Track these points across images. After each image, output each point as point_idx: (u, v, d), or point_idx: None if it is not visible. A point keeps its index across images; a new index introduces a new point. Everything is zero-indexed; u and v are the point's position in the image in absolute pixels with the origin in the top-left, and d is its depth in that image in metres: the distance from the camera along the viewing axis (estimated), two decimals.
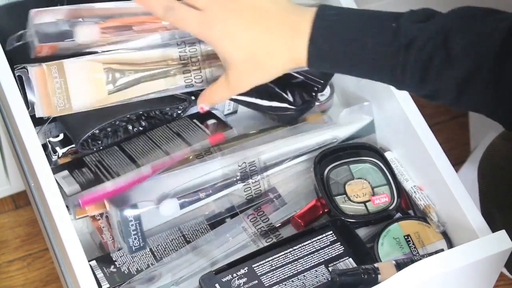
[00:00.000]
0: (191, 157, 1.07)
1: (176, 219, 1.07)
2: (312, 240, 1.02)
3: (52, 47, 1.04)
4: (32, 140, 1.01)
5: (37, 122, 1.05)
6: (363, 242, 1.03)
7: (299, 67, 0.96)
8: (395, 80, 0.92)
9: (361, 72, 0.94)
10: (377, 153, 1.10)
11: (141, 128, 1.09)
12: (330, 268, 1.00)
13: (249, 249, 1.05)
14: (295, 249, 1.01)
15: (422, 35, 0.89)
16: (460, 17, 0.90)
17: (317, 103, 1.15)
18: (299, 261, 1.00)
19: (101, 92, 1.04)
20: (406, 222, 1.05)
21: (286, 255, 1.01)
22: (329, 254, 1.01)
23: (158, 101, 1.07)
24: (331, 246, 1.02)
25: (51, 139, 1.08)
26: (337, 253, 1.01)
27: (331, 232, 1.03)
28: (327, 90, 1.17)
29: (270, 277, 0.98)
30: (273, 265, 0.99)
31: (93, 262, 1.05)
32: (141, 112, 1.07)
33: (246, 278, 0.97)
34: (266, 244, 1.05)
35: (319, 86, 1.12)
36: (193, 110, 1.12)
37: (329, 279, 0.99)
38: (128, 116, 1.07)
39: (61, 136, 1.08)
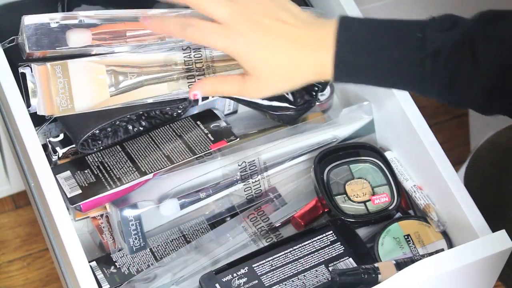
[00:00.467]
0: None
1: (176, 219, 1.07)
2: (312, 240, 1.02)
3: (43, 52, 1.04)
4: (32, 140, 1.01)
5: (37, 122, 1.05)
6: (363, 242, 1.03)
7: (323, 80, 0.95)
8: (422, 90, 0.91)
9: (388, 84, 0.94)
10: (377, 153, 1.10)
11: (141, 128, 1.09)
12: (330, 268, 1.00)
13: (249, 249, 1.05)
14: (295, 249, 1.01)
15: (448, 44, 0.88)
16: (484, 23, 0.89)
17: (317, 103, 1.15)
18: (299, 261, 1.00)
19: (104, 94, 1.04)
20: (406, 222, 1.06)
21: (286, 255, 1.01)
22: (329, 254, 1.01)
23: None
24: (331, 246, 1.02)
25: (51, 139, 1.08)
26: (337, 253, 1.01)
27: (331, 232, 1.03)
28: (327, 90, 1.17)
29: (271, 277, 0.98)
30: (273, 265, 0.99)
31: (93, 263, 1.05)
32: (141, 112, 1.07)
33: (246, 278, 0.97)
34: (266, 243, 1.05)
35: (319, 86, 1.12)
36: (193, 111, 1.12)
37: (329, 279, 0.99)
38: (128, 116, 1.07)
39: (61, 136, 1.08)
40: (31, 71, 1.04)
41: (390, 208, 1.06)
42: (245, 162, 1.07)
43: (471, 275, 0.98)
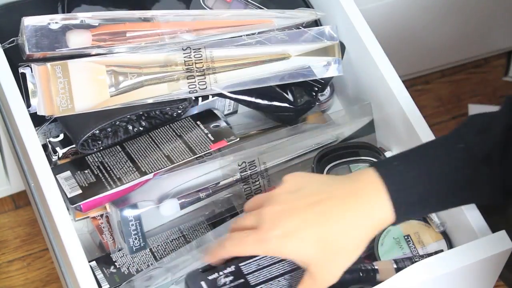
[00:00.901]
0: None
1: (176, 219, 1.07)
2: None
3: (43, 54, 1.04)
4: (32, 140, 1.01)
5: (37, 122, 1.05)
6: None
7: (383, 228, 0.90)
8: (485, 197, 0.90)
9: (454, 203, 0.92)
10: (377, 152, 1.10)
11: (141, 128, 1.09)
12: None
13: None
14: None
15: (492, 144, 0.87)
16: None
17: (317, 103, 1.15)
18: (286, 260, 0.99)
19: (104, 94, 1.04)
20: (406, 222, 1.05)
21: None
22: None
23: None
24: None
25: (51, 139, 1.08)
26: None
27: None
28: (327, 90, 1.17)
29: (257, 276, 0.98)
30: (260, 264, 0.98)
31: (93, 263, 1.05)
32: (141, 112, 1.07)
33: (232, 277, 0.96)
34: None
35: (319, 86, 1.12)
36: (193, 111, 1.12)
37: None
38: (128, 116, 1.07)
39: (61, 136, 1.08)
40: (31, 71, 1.04)
41: None
42: (245, 162, 1.07)
43: (471, 275, 0.98)
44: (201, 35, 1.08)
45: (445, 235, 1.04)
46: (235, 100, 1.11)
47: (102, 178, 1.04)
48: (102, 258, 1.06)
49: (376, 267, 0.98)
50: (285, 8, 1.14)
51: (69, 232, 0.96)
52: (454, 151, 0.88)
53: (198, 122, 1.10)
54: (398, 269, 0.97)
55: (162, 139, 1.08)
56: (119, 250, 1.06)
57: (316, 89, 1.12)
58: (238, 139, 1.08)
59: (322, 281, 0.88)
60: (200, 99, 1.11)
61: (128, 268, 1.05)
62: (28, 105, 1.04)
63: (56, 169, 1.05)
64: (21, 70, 1.04)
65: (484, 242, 0.96)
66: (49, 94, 1.04)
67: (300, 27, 1.11)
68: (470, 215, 0.99)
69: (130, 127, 1.08)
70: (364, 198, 0.87)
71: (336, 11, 1.13)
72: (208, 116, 1.11)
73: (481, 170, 0.88)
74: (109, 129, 1.07)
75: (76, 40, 1.05)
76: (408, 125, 1.05)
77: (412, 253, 1.03)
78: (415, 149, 0.91)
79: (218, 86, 1.07)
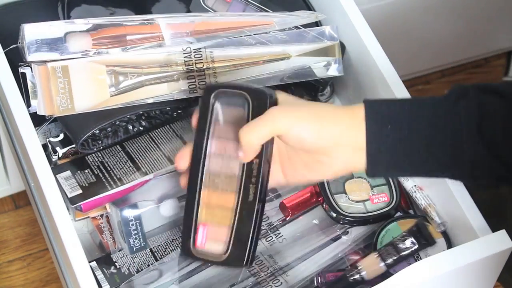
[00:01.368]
0: None
1: (177, 219, 1.07)
2: None
3: (43, 60, 1.04)
4: (32, 140, 1.01)
5: (37, 122, 1.06)
6: None
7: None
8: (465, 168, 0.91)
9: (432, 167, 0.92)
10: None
11: (141, 128, 1.09)
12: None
13: None
14: None
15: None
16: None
17: None
18: None
19: (104, 94, 1.05)
20: (405, 221, 1.05)
21: None
22: None
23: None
24: None
25: (51, 139, 1.08)
26: None
27: None
28: (327, 90, 1.17)
29: None
30: None
31: (93, 263, 1.05)
32: (141, 112, 1.07)
33: None
34: (267, 243, 1.05)
35: (319, 86, 1.12)
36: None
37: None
38: (128, 116, 1.07)
39: (61, 136, 1.08)
40: (31, 71, 1.04)
41: (389, 207, 1.06)
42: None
43: (471, 275, 0.98)
44: (201, 36, 1.08)
45: (445, 234, 1.04)
46: None
47: (103, 178, 1.04)
48: (103, 259, 1.06)
49: (360, 267, 0.99)
50: (285, 7, 1.14)
51: (69, 232, 0.96)
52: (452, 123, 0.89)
53: None
54: (383, 260, 0.99)
55: (162, 139, 1.08)
56: (120, 250, 1.06)
57: (316, 89, 1.12)
58: None
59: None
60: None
61: (128, 269, 1.05)
62: (28, 105, 1.04)
63: (56, 169, 1.05)
64: (21, 70, 1.04)
65: (484, 242, 0.96)
66: (49, 94, 1.04)
67: (301, 27, 1.12)
68: (470, 215, 0.99)
69: (130, 127, 1.08)
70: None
71: (336, 11, 1.13)
72: None
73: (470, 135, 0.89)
74: (109, 129, 1.07)
75: (76, 44, 1.05)
76: None
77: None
78: (409, 108, 0.91)
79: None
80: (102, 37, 1.05)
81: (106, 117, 1.05)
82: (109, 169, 1.05)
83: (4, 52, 1.06)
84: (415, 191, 1.07)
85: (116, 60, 1.05)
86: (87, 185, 1.04)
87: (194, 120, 0.94)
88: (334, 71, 1.11)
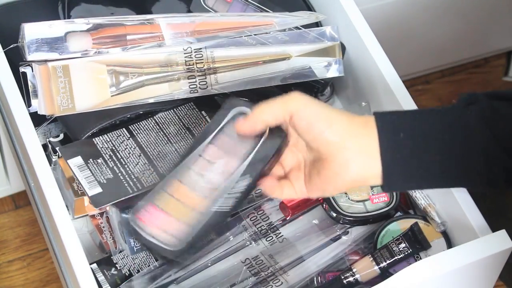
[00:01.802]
0: None
1: None
2: None
3: (44, 59, 1.04)
4: (32, 140, 1.01)
5: (37, 122, 1.05)
6: None
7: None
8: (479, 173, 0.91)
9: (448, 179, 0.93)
10: None
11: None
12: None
13: (249, 248, 1.05)
14: None
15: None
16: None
17: None
18: None
19: (104, 94, 1.05)
20: (405, 221, 1.06)
21: None
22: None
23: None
24: None
25: (51, 139, 1.08)
26: None
27: None
28: (327, 90, 1.17)
29: None
30: None
31: (94, 265, 1.05)
32: (141, 112, 1.07)
33: None
34: (267, 243, 1.05)
35: (319, 86, 1.12)
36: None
37: None
38: (128, 116, 1.07)
39: (61, 136, 1.08)
40: (32, 71, 1.04)
41: (389, 207, 1.06)
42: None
43: (471, 275, 0.98)
44: (201, 36, 1.08)
45: (445, 234, 1.04)
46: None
47: (120, 174, 1.03)
48: (103, 260, 1.06)
49: (354, 269, 0.99)
50: (285, 8, 1.14)
51: (69, 232, 0.96)
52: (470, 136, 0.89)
53: (203, 112, 1.10)
54: (376, 262, 1.00)
55: (169, 130, 1.08)
56: (120, 252, 1.06)
57: (316, 89, 1.12)
58: None
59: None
60: None
61: (129, 270, 1.05)
62: (29, 105, 1.04)
63: (64, 149, 1.05)
64: (21, 69, 1.04)
65: (484, 242, 0.96)
66: (49, 93, 1.04)
67: (301, 27, 1.12)
68: (470, 215, 0.99)
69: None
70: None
71: (336, 11, 1.13)
72: (215, 106, 1.11)
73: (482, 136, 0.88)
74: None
75: (77, 44, 1.05)
76: None
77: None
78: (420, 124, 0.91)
79: (218, 86, 1.07)
80: (103, 36, 1.05)
81: (106, 117, 1.05)
82: (123, 162, 1.04)
83: (4, 52, 1.06)
84: (414, 191, 1.07)
85: (116, 59, 1.05)
86: (105, 181, 1.03)
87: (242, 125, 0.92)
88: (334, 71, 1.11)
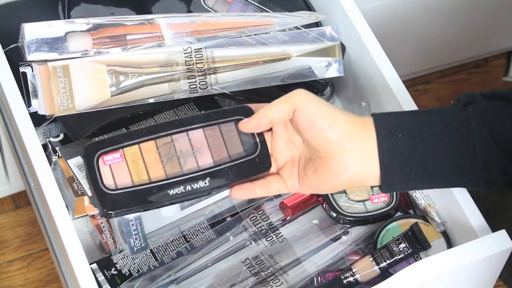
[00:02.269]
0: None
1: (177, 220, 1.07)
2: None
3: (44, 59, 1.04)
4: (32, 140, 1.01)
5: (37, 122, 1.05)
6: None
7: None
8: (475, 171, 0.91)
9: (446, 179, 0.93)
10: None
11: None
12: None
13: (249, 248, 1.05)
14: None
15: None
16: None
17: None
18: None
19: (104, 94, 1.05)
20: (405, 221, 1.06)
21: None
22: None
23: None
24: None
25: (51, 139, 1.08)
26: None
27: None
28: (327, 90, 1.17)
29: None
30: None
31: (94, 265, 1.05)
32: (141, 112, 1.07)
33: None
34: (267, 243, 1.05)
35: (319, 86, 1.12)
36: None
37: None
38: (128, 116, 1.07)
39: (61, 136, 1.08)
40: (32, 71, 1.04)
41: (389, 207, 1.06)
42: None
43: (471, 275, 0.98)
44: (201, 36, 1.08)
45: (445, 234, 1.04)
46: (236, 100, 1.11)
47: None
48: (103, 261, 1.06)
49: (354, 270, 0.99)
50: (285, 8, 1.14)
51: (69, 232, 0.96)
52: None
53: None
54: (375, 262, 1.00)
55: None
56: (120, 252, 1.06)
57: (316, 89, 1.12)
58: None
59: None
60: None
61: (129, 270, 1.05)
62: (29, 105, 1.04)
63: (66, 152, 1.05)
64: (21, 69, 1.04)
65: (484, 242, 0.96)
66: (50, 93, 1.04)
67: (301, 27, 1.12)
68: (470, 215, 0.99)
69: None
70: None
71: (336, 11, 1.13)
72: (213, 106, 1.11)
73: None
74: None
75: (77, 44, 1.05)
76: None
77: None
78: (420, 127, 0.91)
79: (218, 86, 1.07)
80: (103, 36, 1.05)
81: (106, 117, 1.05)
82: None
83: (4, 52, 1.06)
84: (415, 191, 1.07)
85: (116, 59, 1.05)
86: None
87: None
88: (334, 71, 1.11)
